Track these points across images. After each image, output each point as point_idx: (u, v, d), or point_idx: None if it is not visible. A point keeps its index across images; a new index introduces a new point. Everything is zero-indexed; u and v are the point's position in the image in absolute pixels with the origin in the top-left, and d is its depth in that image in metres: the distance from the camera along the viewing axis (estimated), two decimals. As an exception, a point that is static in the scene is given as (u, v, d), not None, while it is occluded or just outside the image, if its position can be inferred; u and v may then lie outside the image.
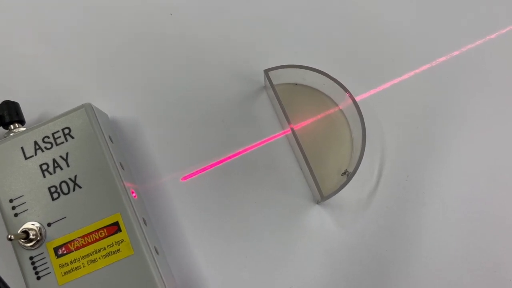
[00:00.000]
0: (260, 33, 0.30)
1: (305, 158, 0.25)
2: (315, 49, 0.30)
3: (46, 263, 0.23)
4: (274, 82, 0.27)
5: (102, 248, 0.23)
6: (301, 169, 0.27)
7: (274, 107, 0.28)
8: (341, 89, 0.26)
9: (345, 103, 0.27)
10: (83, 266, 0.23)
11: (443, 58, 0.29)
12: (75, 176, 0.24)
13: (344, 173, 0.27)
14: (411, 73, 0.29)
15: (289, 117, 0.26)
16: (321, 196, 0.25)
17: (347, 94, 0.26)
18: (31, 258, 0.23)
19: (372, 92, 0.29)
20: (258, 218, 0.27)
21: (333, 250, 0.26)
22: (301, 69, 0.26)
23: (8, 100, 0.26)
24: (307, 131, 0.28)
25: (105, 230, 0.24)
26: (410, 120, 0.28)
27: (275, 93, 0.26)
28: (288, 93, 0.28)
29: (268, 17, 0.30)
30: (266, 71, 0.26)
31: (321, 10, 0.30)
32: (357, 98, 0.28)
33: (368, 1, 0.31)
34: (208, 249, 0.27)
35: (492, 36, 0.30)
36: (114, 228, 0.24)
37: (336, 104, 0.28)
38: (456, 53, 0.29)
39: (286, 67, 0.26)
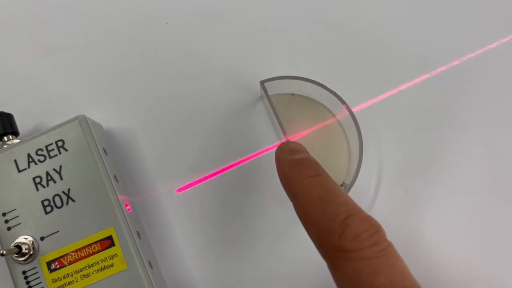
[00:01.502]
0: (256, 43, 0.30)
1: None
2: (312, 59, 0.29)
3: (39, 277, 0.23)
4: (271, 92, 0.26)
5: (95, 263, 0.23)
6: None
7: (271, 118, 0.28)
8: (336, 99, 0.26)
9: (342, 114, 0.27)
10: (76, 281, 0.23)
11: (442, 68, 0.29)
12: (69, 190, 0.24)
13: (342, 185, 0.26)
14: (410, 83, 0.29)
15: (284, 129, 0.25)
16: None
17: (344, 106, 0.25)
18: (24, 272, 0.23)
19: (370, 102, 0.28)
20: (254, 231, 0.27)
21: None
22: (298, 80, 0.26)
23: (2, 112, 0.26)
24: (304, 142, 0.27)
25: (98, 244, 0.23)
26: (409, 132, 0.28)
27: (271, 104, 0.25)
28: (285, 103, 0.28)
29: (264, 27, 0.30)
30: (262, 82, 0.26)
31: (318, 20, 0.30)
32: (355, 109, 0.28)
33: (366, 11, 0.30)
34: (204, 262, 0.26)
35: (492, 46, 0.29)
36: (108, 242, 0.23)
37: (333, 115, 0.28)
38: (455, 62, 0.29)
39: (282, 78, 0.26)
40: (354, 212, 0.17)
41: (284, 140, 0.26)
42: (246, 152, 0.28)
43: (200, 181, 0.27)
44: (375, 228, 0.17)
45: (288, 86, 0.27)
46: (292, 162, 0.20)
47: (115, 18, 0.30)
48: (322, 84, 0.26)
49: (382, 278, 0.15)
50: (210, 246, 0.27)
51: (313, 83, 0.26)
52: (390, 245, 0.17)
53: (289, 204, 0.27)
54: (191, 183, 0.27)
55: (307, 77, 0.26)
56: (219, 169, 0.27)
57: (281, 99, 0.28)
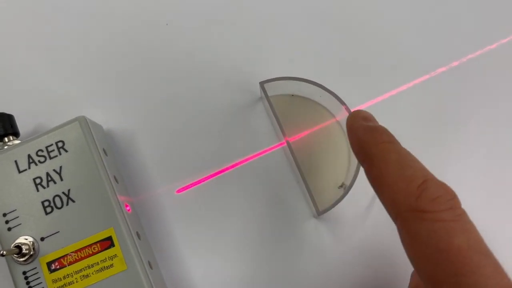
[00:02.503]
0: (256, 44, 0.30)
1: (301, 172, 0.24)
2: (311, 60, 0.29)
3: (39, 278, 0.23)
4: (271, 93, 0.26)
5: (95, 263, 0.23)
6: (298, 182, 0.27)
7: (270, 119, 0.28)
8: (336, 100, 0.26)
9: (342, 115, 0.27)
10: (76, 282, 0.23)
11: (442, 69, 0.29)
12: (69, 190, 0.24)
13: (341, 186, 0.26)
14: (410, 84, 0.29)
15: (284, 130, 0.25)
16: (317, 211, 0.24)
17: (343, 107, 0.25)
18: (24, 273, 0.23)
19: (370, 103, 0.28)
20: (254, 232, 0.27)
21: (330, 265, 0.26)
22: (297, 81, 0.26)
23: (3, 113, 0.26)
24: (304, 143, 0.27)
25: (98, 245, 0.23)
26: (408, 133, 0.28)
27: (271, 105, 0.26)
28: (285, 104, 0.28)
29: (264, 28, 0.30)
30: (262, 83, 0.26)
31: (318, 21, 0.30)
32: (355, 109, 0.28)
33: (365, 12, 0.30)
34: (203, 263, 0.26)
35: (493, 46, 0.29)
36: (108, 243, 0.23)
37: (333, 116, 0.28)
38: (455, 63, 0.29)
39: (282, 79, 0.26)
40: (431, 178, 0.17)
41: (284, 141, 0.26)
42: (246, 152, 0.28)
43: (200, 181, 0.27)
44: (451, 195, 0.17)
45: (287, 87, 0.27)
46: (367, 128, 0.20)
47: (116, 19, 0.30)
48: (321, 85, 0.26)
49: (459, 240, 0.15)
50: (209, 247, 0.27)
51: (313, 84, 0.26)
52: (464, 212, 0.17)
53: (290, 204, 0.27)
54: (191, 184, 0.27)
55: (307, 78, 0.26)
56: (219, 170, 0.27)
57: (281, 100, 0.28)
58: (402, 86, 0.29)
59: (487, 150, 0.28)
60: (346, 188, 0.25)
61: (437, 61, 0.29)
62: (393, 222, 0.18)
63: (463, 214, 0.16)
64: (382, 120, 0.28)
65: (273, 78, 0.26)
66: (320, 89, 0.26)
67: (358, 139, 0.20)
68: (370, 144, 0.19)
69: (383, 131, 0.20)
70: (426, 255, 0.16)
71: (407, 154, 0.19)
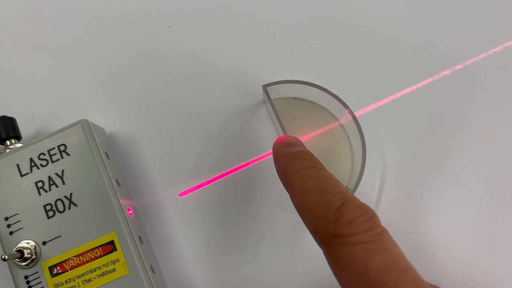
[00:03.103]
0: (259, 47, 0.30)
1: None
2: (315, 63, 0.29)
3: (41, 282, 0.23)
4: (274, 96, 0.26)
5: (97, 268, 0.23)
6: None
7: (273, 122, 0.28)
8: (339, 103, 0.26)
9: (345, 118, 0.27)
10: (78, 286, 0.23)
11: (446, 72, 0.29)
12: (71, 194, 0.24)
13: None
14: (413, 87, 0.29)
15: (287, 133, 0.25)
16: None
17: (347, 111, 0.25)
18: (26, 277, 0.23)
19: (373, 106, 0.28)
20: (257, 235, 0.27)
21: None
22: (300, 84, 0.26)
23: (5, 116, 0.26)
24: (307, 146, 0.27)
25: (100, 249, 0.23)
26: (412, 136, 0.28)
27: (274, 108, 0.25)
28: (288, 107, 0.28)
29: (267, 31, 0.30)
30: (265, 86, 0.26)
31: (321, 24, 0.30)
32: (359, 113, 0.27)
33: (369, 15, 0.30)
34: (206, 266, 0.26)
35: (497, 49, 0.29)
36: (110, 247, 0.23)
37: (336, 119, 0.28)
38: (459, 66, 0.29)
39: (285, 83, 0.26)
40: (348, 200, 0.17)
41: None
42: (249, 156, 0.28)
43: (202, 185, 0.27)
44: (369, 215, 0.17)
45: (291, 90, 0.27)
46: (288, 155, 0.20)
47: (118, 22, 0.30)
48: (325, 88, 0.26)
49: (376, 261, 0.16)
50: (212, 250, 0.26)
51: (316, 87, 0.26)
52: (384, 230, 0.17)
53: (292, 208, 0.27)
54: (193, 187, 0.27)
55: (310, 81, 0.26)
56: (221, 173, 0.27)
57: (284, 103, 0.28)
58: (406, 89, 0.28)
59: (492, 153, 0.28)
60: (350, 192, 0.25)
61: (441, 64, 0.29)
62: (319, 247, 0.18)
63: (382, 233, 0.17)
64: (386, 123, 0.28)
65: (276, 81, 0.26)
66: (323, 92, 0.26)
67: (281, 166, 0.21)
68: (291, 171, 0.20)
69: (304, 157, 0.20)
70: (349, 279, 0.16)
71: (327, 178, 0.19)
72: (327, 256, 0.17)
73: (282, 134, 0.26)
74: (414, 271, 0.16)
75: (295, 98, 0.28)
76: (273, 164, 0.27)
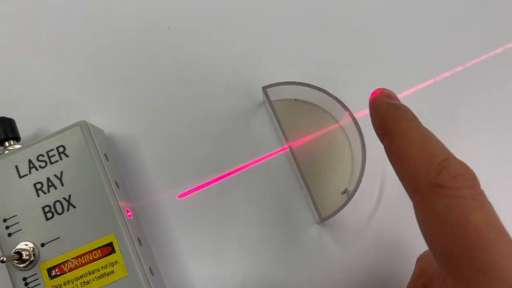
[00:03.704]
0: (258, 49, 0.29)
1: (304, 178, 0.24)
2: (315, 65, 0.29)
3: (39, 284, 0.23)
4: (273, 98, 0.26)
5: (96, 270, 0.23)
6: (301, 188, 0.27)
7: (273, 124, 0.28)
8: (339, 105, 0.26)
9: (345, 120, 0.27)
10: (77, 288, 0.23)
11: (446, 74, 0.29)
12: (70, 196, 0.24)
13: (344, 192, 0.26)
14: (413, 89, 0.28)
15: (287, 135, 0.25)
16: (320, 217, 0.24)
17: (347, 113, 0.25)
18: (24, 279, 0.23)
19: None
20: (256, 237, 0.26)
21: (333, 271, 0.26)
22: (300, 86, 0.26)
23: (4, 117, 0.26)
24: (307, 148, 0.27)
25: (99, 251, 0.23)
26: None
27: (273, 110, 0.25)
28: (288, 109, 0.28)
29: (267, 32, 0.30)
30: (264, 88, 0.26)
31: (321, 26, 0.30)
32: (358, 115, 0.27)
33: (369, 17, 0.30)
34: (205, 269, 0.26)
35: (498, 51, 0.29)
36: (109, 249, 0.23)
37: (336, 121, 0.28)
38: (460, 68, 0.29)
39: (284, 84, 0.26)
40: (452, 156, 0.17)
41: (286, 146, 0.26)
42: (248, 158, 0.27)
43: (201, 187, 0.27)
44: (472, 175, 0.17)
45: (291, 91, 0.27)
46: (390, 105, 0.20)
47: (118, 23, 0.30)
48: (324, 90, 0.26)
49: (476, 218, 0.15)
50: (211, 252, 0.26)
51: (316, 89, 0.26)
52: (483, 193, 0.17)
53: (293, 210, 0.27)
54: (192, 189, 0.27)
55: (310, 83, 0.26)
56: (221, 175, 0.27)
57: (284, 105, 0.28)
58: (406, 91, 0.28)
59: (493, 155, 0.27)
60: (349, 194, 0.25)
61: (441, 66, 0.29)
62: (410, 198, 0.17)
63: (482, 194, 0.16)
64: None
65: (276, 83, 0.26)
66: (323, 94, 0.26)
67: (380, 114, 0.20)
68: (393, 120, 0.19)
69: (407, 110, 0.20)
70: (442, 230, 0.16)
71: (430, 133, 0.18)
72: (421, 206, 0.17)
73: (282, 136, 0.26)
74: (510, 237, 0.16)
75: (295, 100, 0.28)
76: (274, 165, 0.27)
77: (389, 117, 0.19)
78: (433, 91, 0.28)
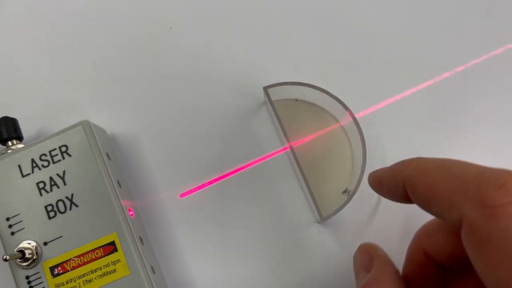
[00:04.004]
0: (260, 49, 0.30)
1: (304, 177, 0.24)
2: (315, 64, 0.29)
3: (42, 282, 0.23)
4: (274, 98, 0.26)
5: (98, 268, 0.23)
6: (301, 187, 0.27)
7: (274, 124, 0.28)
8: (339, 105, 0.26)
9: (346, 120, 0.27)
10: (79, 286, 0.23)
11: (447, 74, 0.29)
12: (72, 195, 0.24)
13: (345, 191, 0.26)
14: (414, 89, 0.29)
15: (287, 135, 0.25)
16: (321, 217, 0.24)
17: (347, 113, 0.25)
18: (27, 277, 0.23)
19: (374, 108, 0.28)
20: (257, 237, 0.27)
21: (333, 270, 0.26)
22: (301, 86, 0.26)
23: (7, 116, 0.26)
24: (307, 148, 0.27)
25: (101, 249, 0.23)
26: (413, 138, 0.28)
27: (274, 110, 0.25)
28: (289, 109, 0.28)
29: (268, 32, 0.30)
30: (266, 88, 0.26)
31: (322, 26, 0.30)
32: (359, 115, 0.27)
33: (370, 17, 0.30)
34: (207, 268, 0.26)
35: (498, 51, 0.29)
36: (111, 247, 0.23)
37: (337, 121, 0.28)
38: (460, 68, 0.29)
39: (286, 84, 0.26)
40: (484, 167, 0.14)
41: (287, 145, 0.26)
42: (250, 157, 0.28)
43: (203, 186, 0.27)
44: None
45: (292, 91, 0.27)
46: (386, 170, 0.19)
47: (120, 23, 0.30)
48: (325, 90, 0.26)
49: None
50: (213, 251, 0.26)
51: (317, 89, 0.26)
52: None
53: (294, 209, 0.27)
54: (194, 188, 0.27)
55: (311, 83, 0.26)
56: (222, 174, 0.27)
57: (285, 105, 0.28)
58: (406, 91, 0.28)
59: (493, 156, 0.27)
60: (350, 194, 0.25)
61: (442, 66, 0.29)
62: (458, 229, 0.14)
63: None
64: (386, 125, 0.28)
65: (277, 83, 0.26)
66: (324, 94, 0.26)
67: (387, 179, 0.19)
68: (400, 170, 0.18)
69: (405, 160, 0.18)
70: (503, 260, 0.12)
71: (443, 159, 0.16)
72: (468, 235, 0.13)
73: (283, 135, 0.26)
74: None
75: (296, 100, 0.28)
76: (274, 164, 0.27)
77: (393, 174, 0.18)
78: (434, 91, 0.29)
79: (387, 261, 0.19)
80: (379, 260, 0.19)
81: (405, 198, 0.18)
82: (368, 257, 0.19)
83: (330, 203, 0.26)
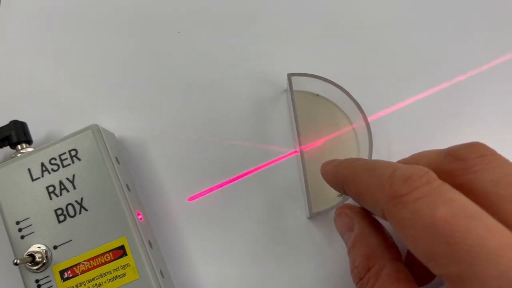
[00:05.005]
0: (276, 52, 0.29)
1: (305, 177, 0.24)
2: (331, 64, 0.29)
3: (52, 286, 0.23)
4: (296, 88, 0.26)
5: (107, 272, 0.23)
6: (301, 187, 0.27)
7: (290, 117, 0.28)
8: (356, 108, 0.26)
9: (359, 123, 0.27)
10: (89, 290, 0.23)
11: (461, 77, 0.28)
12: (82, 199, 0.24)
13: (340, 195, 0.26)
14: (427, 93, 0.28)
15: (299, 127, 0.25)
16: (310, 212, 0.24)
17: (361, 115, 0.25)
18: (37, 281, 0.23)
19: (388, 111, 0.28)
20: (266, 240, 0.26)
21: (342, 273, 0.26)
22: (324, 82, 0.26)
23: (16, 120, 0.26)
24: (317, 147, 0.27)
25: (110, 253, 0.23)
26: (426, 140, 0.27)
27: (293, 100, 0.26)
28: (308, 102, 0.28)
29: (282, 34, 0.30)
30: (290, 76, 0.26)
31: (337, 30, 0.30)
32: (372, 117, 0.27)
33: (387, 22, 0.30)
34: (215, 272, 0.26)
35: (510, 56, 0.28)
36: (120, 251, 0.23)
37: (350, 123, 0.28)
38: (474, 72, 0.28)
39: (310, 76, 0.26)
40: (399, 165, 0.17)
41: (298, 149, 0.26)
42: (259, 161, 0.27)
43: (211, 190, 0.27)
44: (423, 170, 0.16)
45: (314, 85, 0.27)
46: (336, 163, 0.22)
47: (128, 27, 0.30)
48: (346, 91, 0.26)
49: (441, 211, 0.15)
50: (221, 256, 0.26)
51: (339, 88, 0.26)
52: (443, 183, 0.16)
53: (303, 213, 0.27)
54: (202, 192, 0.27)
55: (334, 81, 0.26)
56: (231, 178, 0.27)
57: (305, 98, 0.28)
58: (420, 94, 0.28)
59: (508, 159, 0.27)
60: (344, 198, 0.25)
61: (456, 69, 0.28)
62: (384, 220, 0.18)
63: (441, 186, 0.16)
64: (400, 128, 0.28)
65: (302, 73, 0.26)
66: (344, 95, 0.26)
67: (331, 174, 0.22)
68: (340, 170, 0.21)
69: (345, 159, 0.22)
70: (417, 236, 0.16)
71: (372, 161, 0.20)
72: (392, 223, 0.17)
73: (295, 130, 0.26)
74: (486, 217, 0.15)
75: (317, 95, 0.28)
76: (285, 168, 0.27)
77: (337, 170, 0.21)
78: (447, 94, 0.28)
79: (365, 215, 0.21)
80: (357, 216, 0.21)
81: (346, 194, 0.21)
82: (347, 218, 0.22)
83: (324, 202, 0.26)
